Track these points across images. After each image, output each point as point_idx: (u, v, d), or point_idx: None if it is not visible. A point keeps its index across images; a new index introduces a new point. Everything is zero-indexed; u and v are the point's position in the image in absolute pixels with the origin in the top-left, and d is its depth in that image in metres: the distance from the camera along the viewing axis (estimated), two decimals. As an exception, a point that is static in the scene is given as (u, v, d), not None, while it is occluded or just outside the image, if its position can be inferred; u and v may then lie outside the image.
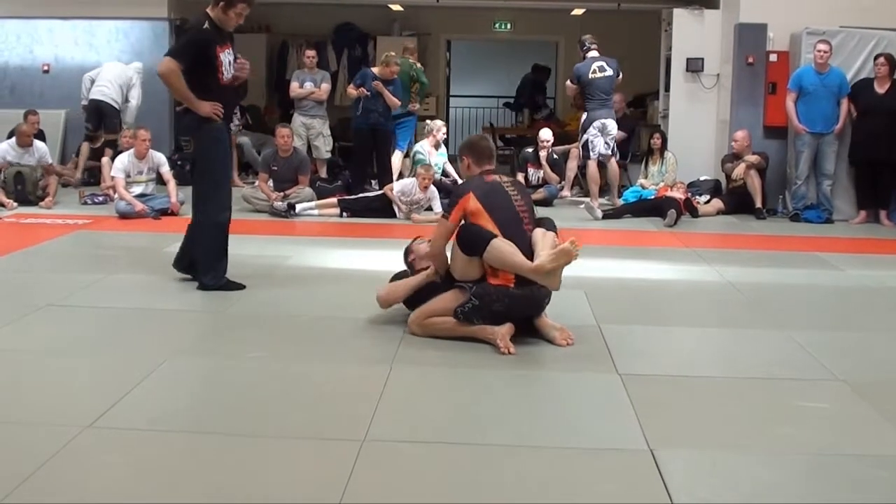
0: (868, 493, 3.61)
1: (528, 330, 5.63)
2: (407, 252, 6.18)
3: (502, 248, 5.34)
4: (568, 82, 12.05)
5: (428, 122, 12.50)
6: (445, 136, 12.34)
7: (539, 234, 5.51)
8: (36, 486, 3.44)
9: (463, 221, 5.57)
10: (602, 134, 11.67)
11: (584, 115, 11.89)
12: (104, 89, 12.84)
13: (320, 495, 3.43)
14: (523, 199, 5.68)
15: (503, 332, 5.36)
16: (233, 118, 6.96)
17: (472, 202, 5.51)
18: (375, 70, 12.25)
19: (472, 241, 5.43)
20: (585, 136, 11.75)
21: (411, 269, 6.08)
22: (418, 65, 13.70)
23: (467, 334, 5.50)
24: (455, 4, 16.37)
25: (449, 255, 5.70)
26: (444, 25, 17.67)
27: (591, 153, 11.68)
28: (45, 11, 13.97)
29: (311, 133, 12.70)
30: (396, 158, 12.58)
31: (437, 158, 11.97)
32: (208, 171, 6.76)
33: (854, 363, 5.38)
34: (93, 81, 12.98)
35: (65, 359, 5.19)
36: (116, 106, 12.84)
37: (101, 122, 12.78)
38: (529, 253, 5.40)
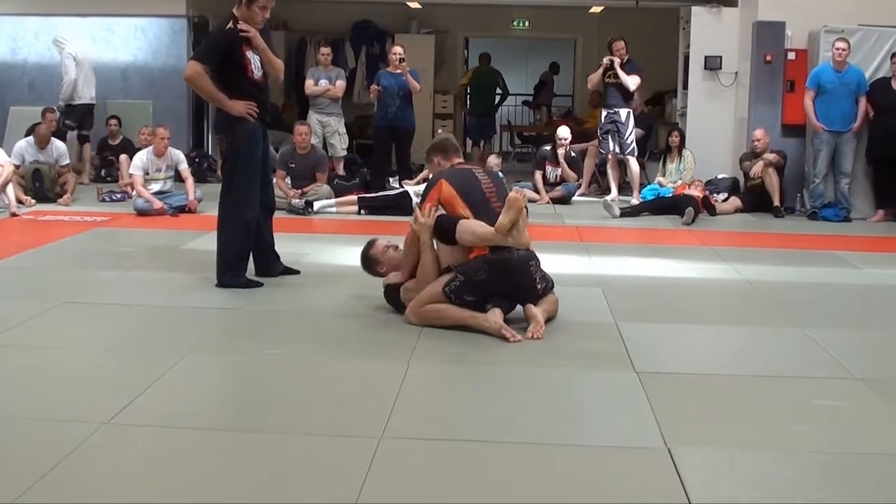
0: (886, 492, 3.59)
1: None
2: (372, 261, 6.43)
3: (469, 224, 5.69)
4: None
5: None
6: None
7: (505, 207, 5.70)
8: (53, 482, 3.45)
9: (440, 211, 5.82)
10: None
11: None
12: (92, 91, 13.24)
13: (337, 493, 3.43)
14: (491, 180, 5.99)
15: (497, 320, 5.54)
16: (268, 116, 6.96)
17: (445, 187, 5.85)
18: (389, 69, 12.30)
19: (444, 228, 5.77)
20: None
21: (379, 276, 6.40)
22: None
23: (460, 322, 5.65)
24: (473, 2, 16.38)
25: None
26: (462, 23, 17.67)
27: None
28: (63, 8, 14.01)
29: (326, 131, 12.66)
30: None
31: None
32: (238, 171, 6.77)
33: (872, 361, 5.37)
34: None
35: (82, 355, 5.22)
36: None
37: (86, 121, 13.17)
38: None
